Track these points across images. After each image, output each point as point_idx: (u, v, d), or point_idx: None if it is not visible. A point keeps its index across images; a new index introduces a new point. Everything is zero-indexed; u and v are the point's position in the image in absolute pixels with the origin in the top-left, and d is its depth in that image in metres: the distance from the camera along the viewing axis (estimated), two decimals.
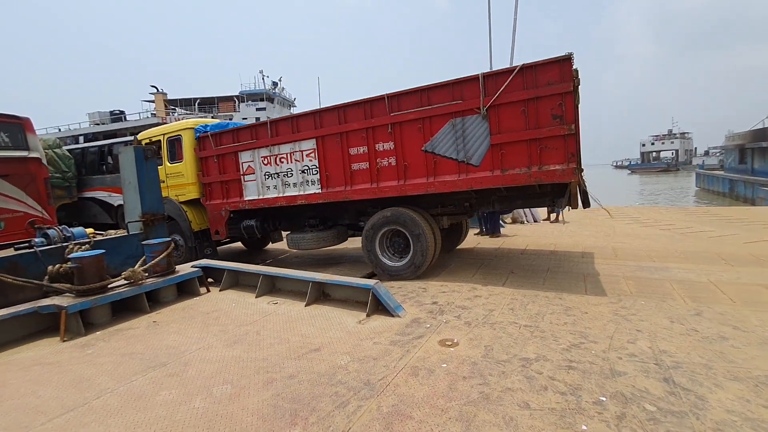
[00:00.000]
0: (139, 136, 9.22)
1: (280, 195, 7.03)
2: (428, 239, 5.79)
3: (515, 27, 11.51)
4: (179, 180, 8.40)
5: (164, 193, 8.56)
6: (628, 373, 2.78)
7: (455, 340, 3.39)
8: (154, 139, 8.80)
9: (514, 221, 11.12)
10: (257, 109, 40.71)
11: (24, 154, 7.51)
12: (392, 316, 3.99)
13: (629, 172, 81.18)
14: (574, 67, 4.75)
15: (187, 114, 40.32)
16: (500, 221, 9.48)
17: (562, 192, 5.37)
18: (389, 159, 6.00)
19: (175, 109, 42.48)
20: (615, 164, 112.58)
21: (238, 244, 10.04)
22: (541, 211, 11.59)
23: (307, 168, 6.72)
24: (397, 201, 6.20)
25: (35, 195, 7.58)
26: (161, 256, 4.74)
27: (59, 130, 38.66)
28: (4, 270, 4.25)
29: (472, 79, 5.25)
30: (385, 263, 6.22)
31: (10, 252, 4.97)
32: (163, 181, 8.57)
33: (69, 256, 4.23)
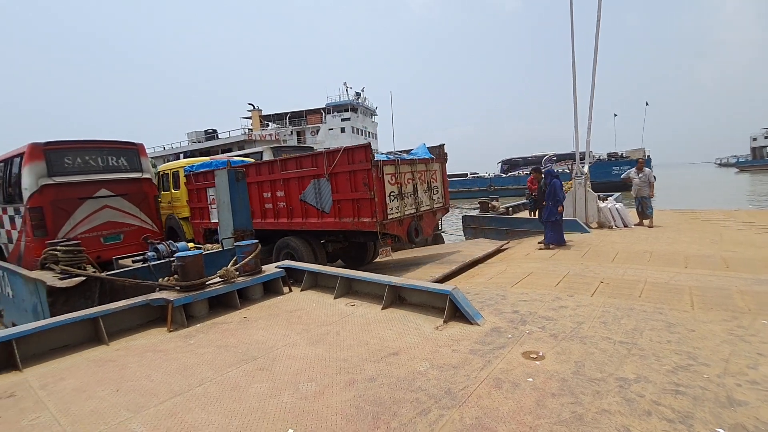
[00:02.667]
0: (159, 168, 12.43)
1: None
2: (307, 259, 7.82)
3: (599, 22, 10.70)
4: (178, 203, 11.52)
5: (169, 211, 11.87)
6: (749, 403, 2.43)
7: (540, 353, 3.21)
8: (166, 171, 12.03)
9: (601, 226, 10.31)
10: (342, 120, 42.11)
11: (138, 175, 8.62)
12: (470, 323, 3.88)
13: (737, 170, 71.50)
14: (373, 149, 7.00)
15: (279, 128, 43.23)
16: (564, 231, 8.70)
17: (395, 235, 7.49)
18: (282, 203, 8.52)
19: (268, 124, 45.38)
20: (718, 162, 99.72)
21: None
22: (632, 214, 10.63)
23: None
24: (305, 231, 8.39)
25: (147, 211, 8.66)
26: (250, 257, 5.09)
27: (164, 149, 43.51)
28: None
29: (320, 154, 7.73)
30: None
31: (129, 265, 6.05)
32: (170, 203, 11.87)
33: (174, 256, 4.76)
